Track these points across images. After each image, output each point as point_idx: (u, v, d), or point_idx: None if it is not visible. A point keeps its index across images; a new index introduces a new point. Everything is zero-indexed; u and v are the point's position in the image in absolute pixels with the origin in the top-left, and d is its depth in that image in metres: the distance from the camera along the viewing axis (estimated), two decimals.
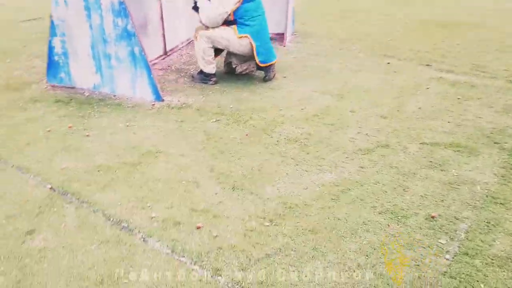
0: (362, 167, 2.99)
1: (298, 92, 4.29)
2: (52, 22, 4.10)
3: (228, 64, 4.70)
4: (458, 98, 4.13)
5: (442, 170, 2.96)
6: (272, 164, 3.03)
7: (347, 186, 2.77)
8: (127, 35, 3.90)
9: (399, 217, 2.49)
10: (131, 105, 3.98)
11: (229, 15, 4.19)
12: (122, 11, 3.82)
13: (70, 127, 3.53)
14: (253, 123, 3.64)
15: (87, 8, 3.93)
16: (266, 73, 4.52)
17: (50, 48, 4.23)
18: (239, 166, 3.00)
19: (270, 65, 4.46)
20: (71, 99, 4.08)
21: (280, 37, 6.05)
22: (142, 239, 2.29)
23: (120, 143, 3.28)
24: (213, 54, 4.36)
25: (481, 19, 7.35)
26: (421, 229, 2.39)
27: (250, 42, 4.22)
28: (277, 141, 3.35)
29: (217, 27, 4.27)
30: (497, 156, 3.14)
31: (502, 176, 2.89)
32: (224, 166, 3.00)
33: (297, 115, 3.79)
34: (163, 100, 4.07)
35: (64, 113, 3.79)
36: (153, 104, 4.00)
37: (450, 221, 2.46)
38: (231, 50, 4.35)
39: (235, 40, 4.21)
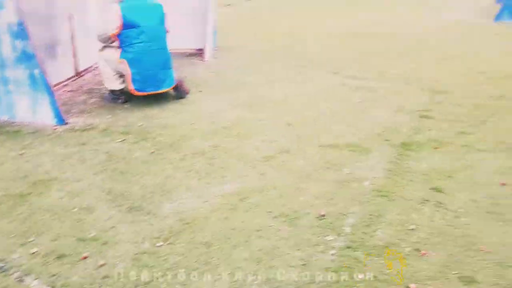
0: (262, 174, 3.03)
1: (211, 106, 4.30)
2: None
3: None
4: (359, 102, 4.33)
5: (336, 170, 3.07)
6: (175, 180, 2.99)
7: (246, 195, 2.79)
8: (26, 57, 3.72)
9: (291, 219, 2.53)
10: (30, 131, 3.77)
11: (113, 38, 4.16)
12: (21, 32, 3.65)
13: None
14: (161, 140, 3.59)
15: None
16: (176, 92, 4.51)
17: None
18: (139, 186, 2.92)
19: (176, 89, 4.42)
20: None
21: (201, 52, 6.08)
22: (18, 278, 2.10)
23: (8, 174, 3.06)
24: (114, 72, 4.29)
25: (388, 29, 7.82)
26: (311, 228, 2.44)
27: (126, 69, 4.15)
28: (184, 156, 3.32)
29: (109, 46, 4.29)
30: (386, 153, 3.32)
31: (389, 171, 3.05)
32: (122, 187, 2.91)
33: (206, 129, 3.79)
34: (66, 123, 3.91)
35: None
36: (55, 128, 3.83)
37: (338, 218, 2.54)
38: (119, 71, 4.29)
39: (118, 63, 4.19)
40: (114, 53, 4.21)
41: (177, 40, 6.25)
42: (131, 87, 4.18)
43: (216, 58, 5.96)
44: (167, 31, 4.39)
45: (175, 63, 5.37)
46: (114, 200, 2.76)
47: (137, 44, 4.12)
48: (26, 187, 2.90)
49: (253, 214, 2.59)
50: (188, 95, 4.53)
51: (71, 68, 5.13)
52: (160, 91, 4.31)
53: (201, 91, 4.72)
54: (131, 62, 4.13)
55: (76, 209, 2.67)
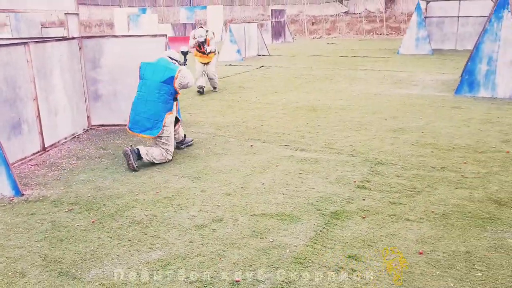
0: (191, 242, 3.26)
1: (159, 177, 4.59)
2: None
3: None
4: (300, 173, 4.65)
5: (261, 238, 3.30)
6: (107, 247, 3.20)
7: (169, 261, 3.00)
8: None
9: (206, 285, 2.73)
10: None
11: None
12: None
13: None
14: (105, 210, 3.83)
15: None
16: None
17: None
18: (73, 252, 3.13)
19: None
20: None
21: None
22: None
23: None
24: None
25: (348, 102, 8.38)
26: None
27: None
28: (121, 224, 3.56)
29: None
30: (314, 222, 3.57)
31: (311, 239, 3.28)
32: (58, 253, 3.12)
33: (149, 199, 4.05)
34: (23, 195, 4.17)
35: None
36: (12, 199, 4.08)
37: (252, 284, 2.74)
38: None
39: None
40: None
41: None
42: (127, 123, 5.09)
43: None
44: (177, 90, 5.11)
45: (136, 138, 5.76)
46: (47, 265, 2.96)
47: (138, 92, 5.08)
48: None
49: (171, 279, 2.79)
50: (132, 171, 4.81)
51: (37, 144, 5.47)
52: (143, 135, 5.03)
53: (153, 163, 5.01)
54: (132, 105, 5.07)
55: (10, 274, 2.87)
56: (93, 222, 3.61)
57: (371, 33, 30.31)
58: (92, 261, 3.02)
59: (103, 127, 6.78)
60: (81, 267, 2.94)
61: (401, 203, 3.92)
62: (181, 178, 4.57)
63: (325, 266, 2.95)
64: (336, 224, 3.54)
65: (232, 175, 4.62)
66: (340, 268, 2.94)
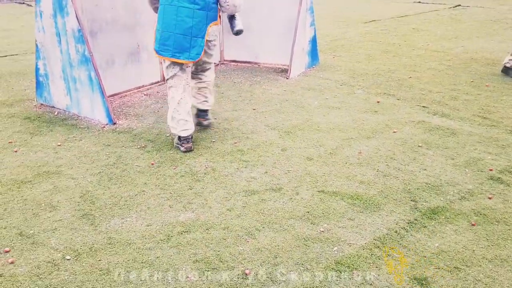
0: (229, 210, 2.80)
1: (249, 125, 4.17)
2: (36, 46, 4.64)
3: None
4: (419, 146, 3.63)
5: (312, 224, 2.63)
6: (145, 196, 3.00)
7: (190, 229, 2.62)
8: (85, 60, 4.23)
9: (209, 269, 2.27)
10: (83, 126, 4.25)
11: None
12: (80, 38, 4.17)
13: (10, 142, 3.91)
14: (172, 153, 3.64)
15: (58, 34, 4.37)
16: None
17: (36, 70, 4.78)
18: (112, 194, 3.02)
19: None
20: (38, 117, 4.52)
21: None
22: None
23: (32, 161, 3.52)
24: None
25: None
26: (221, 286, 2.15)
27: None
28: (176, 173, 3.31)
29: None
30: (397, 216, 2.69)
31: (377, 239, 2.48)
32: (98, 193, 3.05)
33: (222, 149, 3.69)
34: (114, 123, 4.30)
35: (20, 129, 4.21)
36: (103, 127, 4.24)
37: (260, 282, 2.17)
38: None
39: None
40: None
41: (270, 54, 6.31)
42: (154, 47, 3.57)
43: (302, 76, 5.72)
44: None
45: (260, 77, 5.41)
46: (80, 203, 2.93)
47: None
48: (30, 176, 3.29)
49: (176, 251, 2.42)
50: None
51: (157, 74, 5.60)
52: (178, 60, 3.51)
53: (254, 109, 4.59)
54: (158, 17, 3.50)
55: (44, 204, 2.91)
56: (152, 164, 3.45)
57: None
58: (120, 209, 2.85)
59: (234, 63, 6.62)
60: (106, 213, 2.81)
61: None
62: (271, 130, 4.05)
63: (370, 285, 2.16)
64: (425, 226, 2.61)
65: (330, 136, 3.88)
66: None
